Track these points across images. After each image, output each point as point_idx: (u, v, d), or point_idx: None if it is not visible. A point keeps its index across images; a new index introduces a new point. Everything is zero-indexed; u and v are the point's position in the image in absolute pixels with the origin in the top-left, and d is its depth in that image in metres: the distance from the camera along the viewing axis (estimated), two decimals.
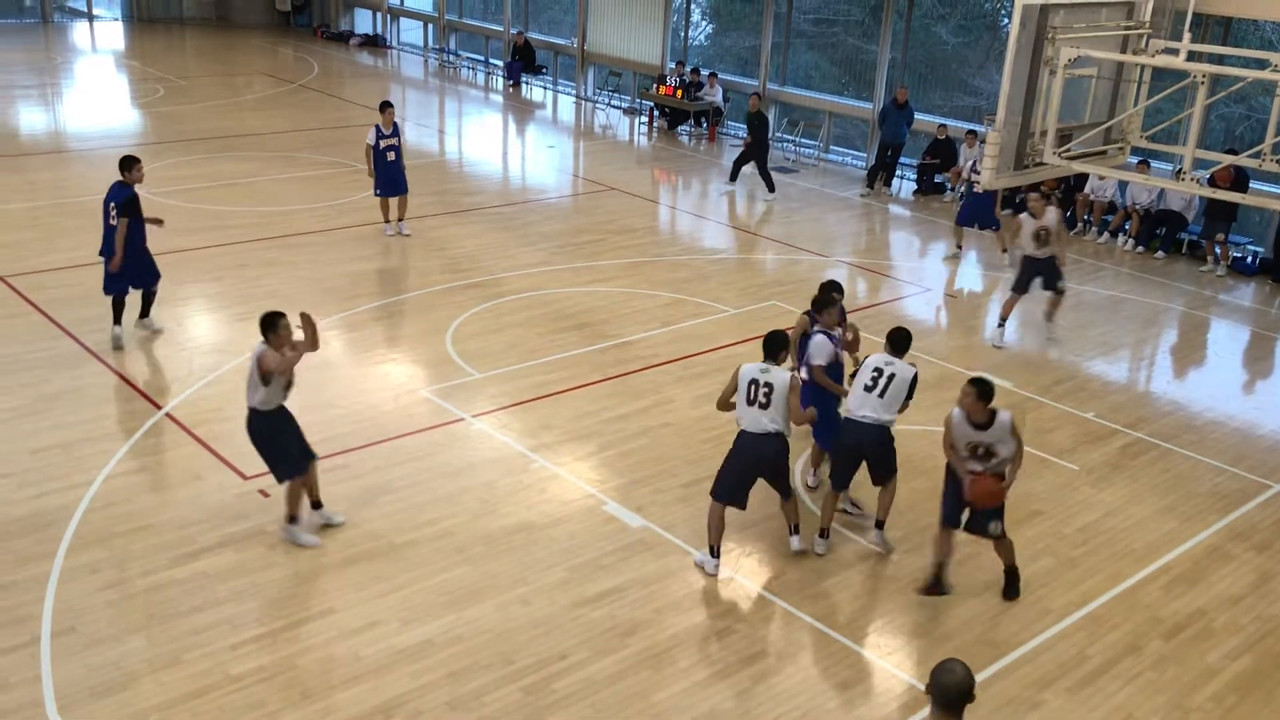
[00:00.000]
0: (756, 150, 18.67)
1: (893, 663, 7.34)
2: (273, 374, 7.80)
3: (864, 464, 8.39)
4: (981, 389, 7.47)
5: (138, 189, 11.26)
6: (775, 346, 8.07)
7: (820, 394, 8.75)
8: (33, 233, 14.77)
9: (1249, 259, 16.33)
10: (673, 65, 24.65)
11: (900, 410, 8.26)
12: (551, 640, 7.32)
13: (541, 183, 20.06)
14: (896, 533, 8.68)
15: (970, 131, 17.28)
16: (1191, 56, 10.07)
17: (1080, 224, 17.66)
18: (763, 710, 6.83)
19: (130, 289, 11.41)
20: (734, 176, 19.26)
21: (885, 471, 8.38)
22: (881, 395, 8.12)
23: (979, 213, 15.70)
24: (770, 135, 19.41)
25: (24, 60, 28.70)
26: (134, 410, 10.21)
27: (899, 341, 8.38)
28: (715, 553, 8.11)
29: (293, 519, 8.24)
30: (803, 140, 22.49)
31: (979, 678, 7.15)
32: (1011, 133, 10.09)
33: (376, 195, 15.35)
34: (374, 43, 33.51)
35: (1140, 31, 10.67)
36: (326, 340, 11.74)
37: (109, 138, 20.20)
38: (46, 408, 10.05)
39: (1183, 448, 10.54)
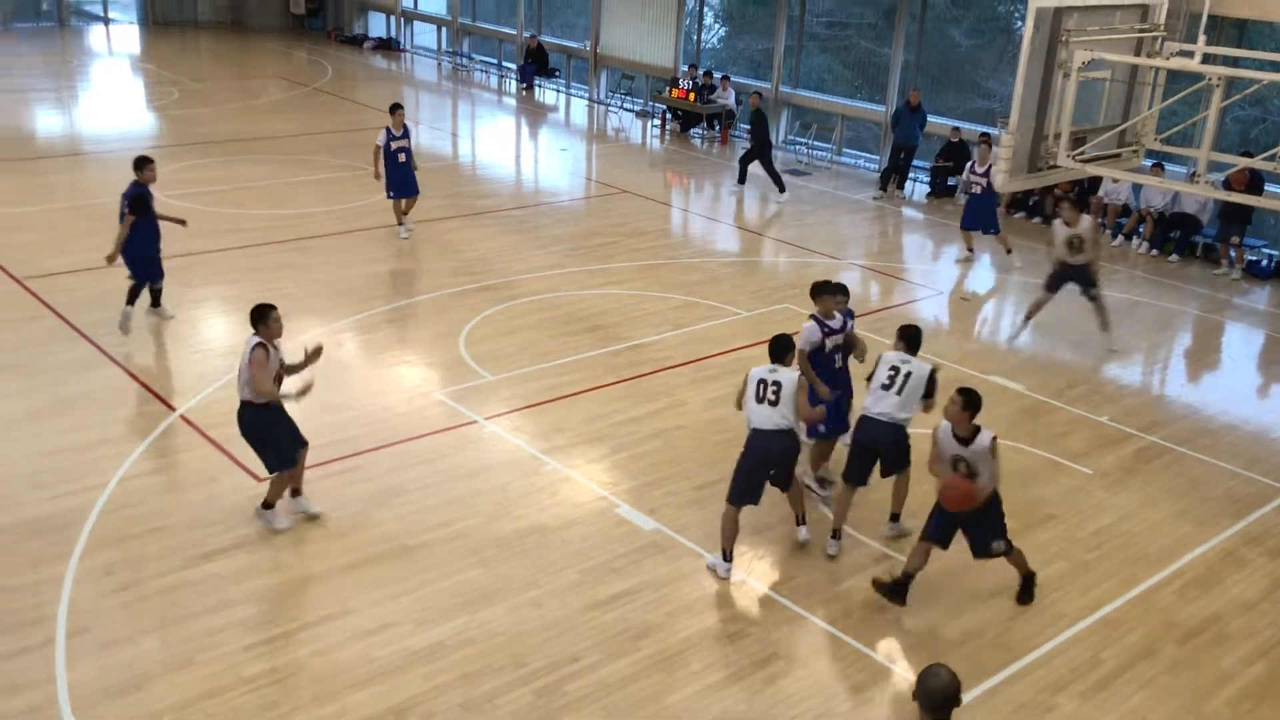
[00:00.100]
0: (759, 149, 18.72)
1: (904, 666, 7.33)
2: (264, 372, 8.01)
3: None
4: (968, 399, 7.42)
5: (152, 189, 11.62)
6: (781, 350, 8.11)
7: (835, 381, 8.77)
8: (49, 235, 14.86)
9: (1264, 262, 16.24)
10: (685, 68, 24.67)
11: (926, 409, 8.26)
12: (564, 643, 7.33)
13: (554, 186, 20.09)
14: (906, 538, 8.65)
15: (984, 136, 17.12)
16: (1206, 59, 10.03)
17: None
18: (775, 713, 6.83)
19: (150, 281, 11.89)
20: (743, 177, 19.26)
21: (898, 466, 8.39)
22: (899, 393, 8.13)
23: (981, 216, 15.65)
24: (770, 133, 19.40)
25: (41, 63, 28.89)
26: (148, 412, 10.26)
27: (912, 339, 8.39)
28: (728, 556, 8.12)
29: (269, 505, 8.35)
30: (816, 143, 22.48)
31: (992, 682, 7.17)
32: (1025, 136, 10.06)
33: (389, 198, 15.41)
34: (388, 46, 33.60)
35: (1155, 34, 10.64)
36: (340, 342, 11.82)
37: (125, 140, 20.29)
38: (62, 410, 10.11)
39: (1197, 452, 10.49)
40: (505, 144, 23.91)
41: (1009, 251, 15.81)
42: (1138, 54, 10.54)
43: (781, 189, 18.81)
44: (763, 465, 8.00)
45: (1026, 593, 8.00)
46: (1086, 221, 12.18)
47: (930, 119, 19.76)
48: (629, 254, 15.44)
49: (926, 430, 10.00)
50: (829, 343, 8.94)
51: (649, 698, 6.89)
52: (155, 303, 12.13)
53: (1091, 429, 10.83)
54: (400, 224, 15.52)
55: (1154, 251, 16.81)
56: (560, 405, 10.70)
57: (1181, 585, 8.38)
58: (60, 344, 11.48)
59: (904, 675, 7.23)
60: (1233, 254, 16.03)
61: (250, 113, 23.74)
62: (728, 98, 23.42)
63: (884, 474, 8.48)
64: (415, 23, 33.98)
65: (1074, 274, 12.34)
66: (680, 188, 20.43)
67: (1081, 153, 10.38)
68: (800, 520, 8.51)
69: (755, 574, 8.22)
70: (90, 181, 17.65)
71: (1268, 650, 7.69)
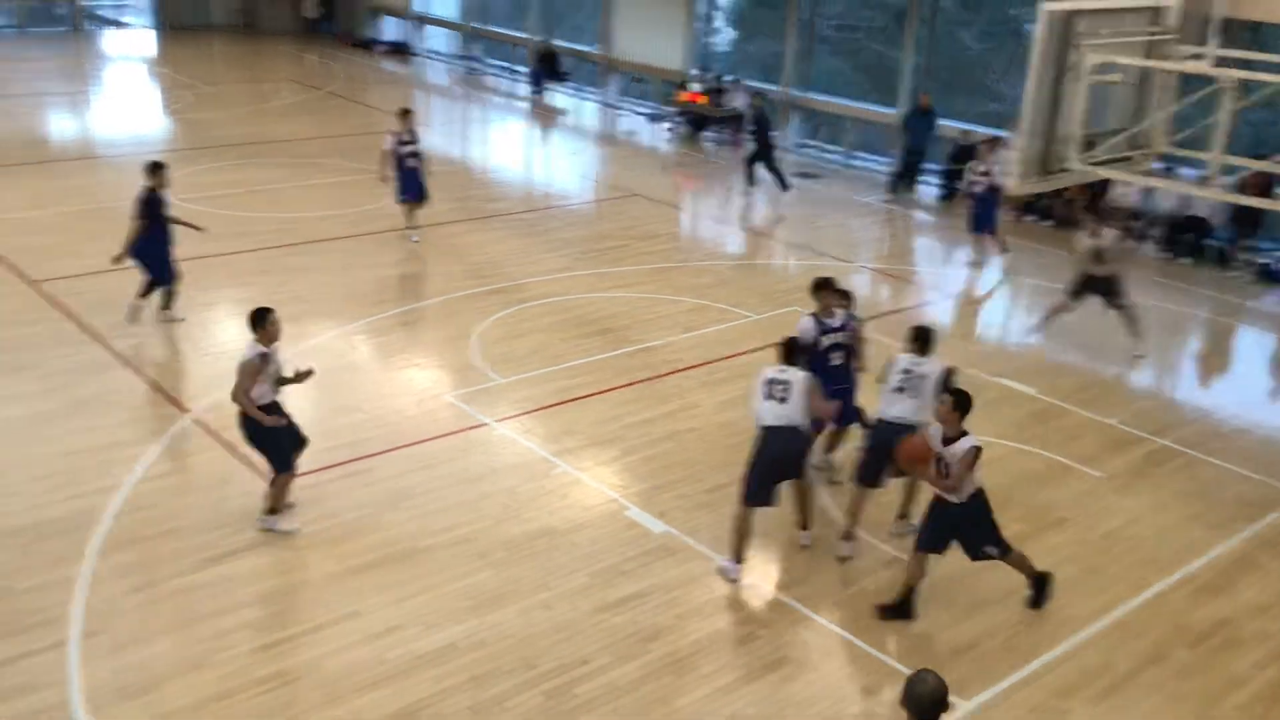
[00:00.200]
0: (760, 150, 18.78)
1: (914, 669, 7.30)
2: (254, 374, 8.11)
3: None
4: (957, 400, 7.35)
5: (165, 193, 11.80)
6: (793, 351, 8.15)
7: (832, 378, 8.78)
8: (63, 238, 14.94)
9: (1276, 265, 16.17)
10: (696, 71, 24.68)
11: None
12: (573, 645, 7.34)
13: (565, 189, 20.13)
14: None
15: (984, 140, 16.94)
16: (1219, 62, 10.00)
17: None
18: (785, 716, 6.83)
19: (160, 284, 12.03)
20: (750, 180, 19.28)
21: None
22: (914, 396, 8.12)
23: (981, 217, 15.62)
24: (771, 134, 19.43)
25: (56, 67, 29.05)
26: (161, 415, 10.31)
27: (924, 339, 8.39)
28: (739, 558, 8.12)
29: (273, 511, 8.39)
30: (826, 146, 22.45)
31: (1002, 686, 7.16)
32: (1036, 139, 10.04)
33: (399, 202, 15.45)
34: (399, 50, 33.68)
35: (1167, 37, 10.60)
36: (352, 345, 11.87)
37: (138, 144, 20.37)
38: (75, 412, 10.17)
39: (1209, 455, 10.46)
40: (516, 147, 23.95)
41: (1004, 252, 15.81)
42: (1150, 57, 10.51)
43: (785, 187, 18.88)
44: (773, 463, 8.01)
45: (1039, 595, 7.93)
46: (1110, 234, 12.22)
47: (941, 122, 19.73)
48: (639, 257, 15.46)
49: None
50: (825, 340, 8.93)
51: (659, 700, 6.90)
52: (166, 305, 12.22)
53: (1102, 432, 10.80)
54: (411, 227, 15.56)
55: (1165, 254, 16.75)
56: (570, 408, 10.72)
57: (1193, 589, 8.36)
58: (73, 346, 11.55)
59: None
60: (1244, 257, 15.96)
61: (263, 116, 23.83)
62: (738, 100, 23.42)
63: (897, 475, 8.46)
64: (427, 26, 34.06)
65: (1098, 285, 12.39)
66: (690, 190, 20.44)
67: (1093, 156, 10.35)
68: (804, 525, 8.51)
69: (765, 577, 8.23)
70: (104, 185, 17.73)
71: None
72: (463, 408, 10.60)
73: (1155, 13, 10.57)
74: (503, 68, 30.90)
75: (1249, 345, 13.86)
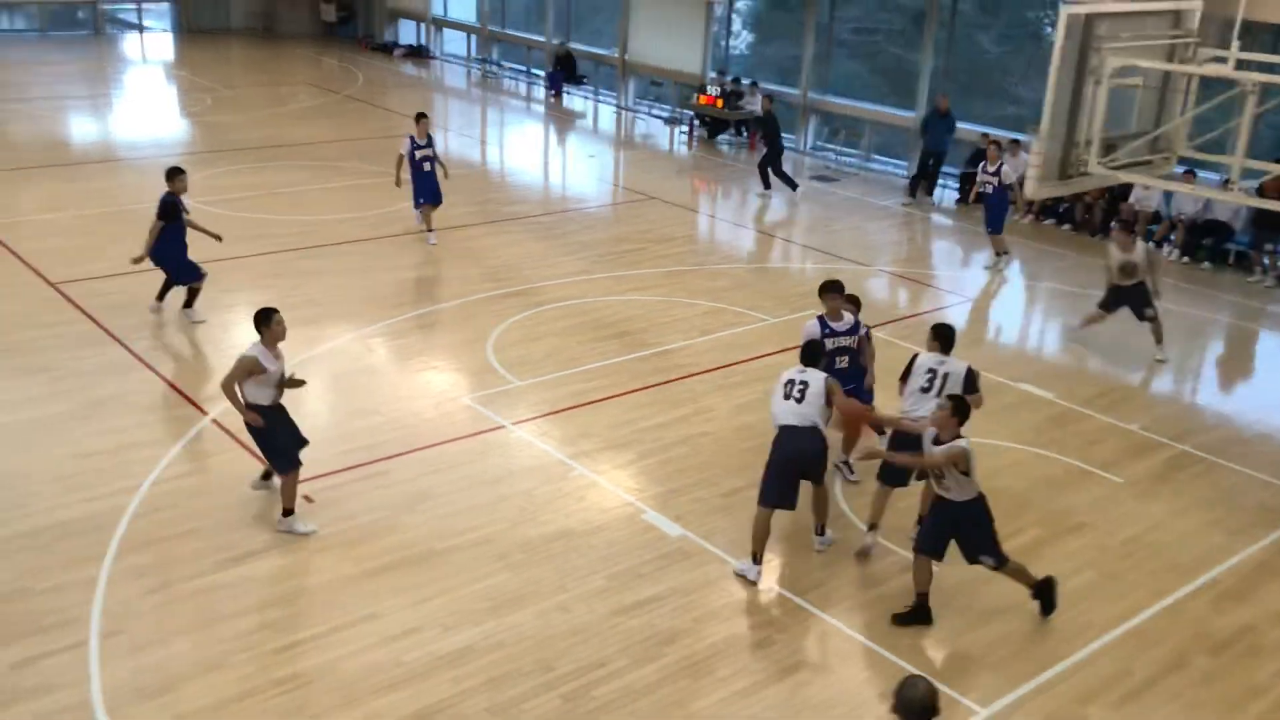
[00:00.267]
0: (770, 153, 18.83)
1: (931, 674, 7.27)
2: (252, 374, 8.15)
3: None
4: (955, 406, 7.34)
5: (184, 198, 12.07)
6: (812, 354, 8.16)
7: (846, 377, 8.76)
8: (83, 240, 15.04)
9: None
10: (713, 74, 24.67)
11: (975, 405, 8.22)
12: (591, 648, 7.34)
13: (582, 192, 20.15)
14: None
15: (991, 141, 16.82)
16: (1241, 65, 9.95)
17: None
18: None
19: (180, 283, 12.24)
20: (766, 183, 19.28)
21: None
22: (939, 394, 8.08)
23: (991, 216, 15.56)
24: (780, 137, 19.46)
25: (77, 71, 29.26)
26: (180, 416, 10.36)
27: (946, 338, 8.36)
28: (758, 559, 8.10)
29: (288, 512, 8.43)
30: (844, 149, 22.43)
31: (1020, 692, 7.12)
32: (1056, 142, 10.00)
33: (416, 206, 15.52)
34: (418, 53, 33.80)
35: (1187, 40, 10.55)
36: (370, 347, 11.90)
37: (159, 147, 20.53)
38: (95, 413, 10.23)
39: (1230, 461, 10.38)
40: (533, 151, 24.00)
41: (1003, 253, 15.74)
42: (1170, 60, 10.46)
43: (793, 187, 19.04)
44: (790, 463, 8.00)
45: (1045, 604, 7.85)
46: (1140, 247, 12.20)
47: (959, 125, 19.67)
48: (656, 260, 15.46)
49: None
50: (829, 343, 8.89)
51: (675, 703, 6.89)
52: (188, 303, 12.35)
53: (1122, 437, 10.74)
54: (429, 230, 15.61)
55: (1185, 259, 16.66)
56: (587, 411, 10.72)
57: (1214, 596, 8.29)
58: (93, 347, 11.62)
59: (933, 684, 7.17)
60: (1266, 261, 15.86)
61: (281, 119, 23.94)
62: (755, 104, 23.40)
63: (920, 476, 8.42)
64: (445, 30, 34.17)
65: (1128, 296, 12.38)
66: (707, 194, 20.44)
67: (1113, 159, 10.30)
68: (819, 530, 8.49)
69: (782, 581, 8.20)
70: (124, 188, 17.84)
71: None
72: (480, 410, 10.61)
73: (1177, 16, 10.52)
74: (521, 71, 30.98)
75: (1270, 350, 13.76)
